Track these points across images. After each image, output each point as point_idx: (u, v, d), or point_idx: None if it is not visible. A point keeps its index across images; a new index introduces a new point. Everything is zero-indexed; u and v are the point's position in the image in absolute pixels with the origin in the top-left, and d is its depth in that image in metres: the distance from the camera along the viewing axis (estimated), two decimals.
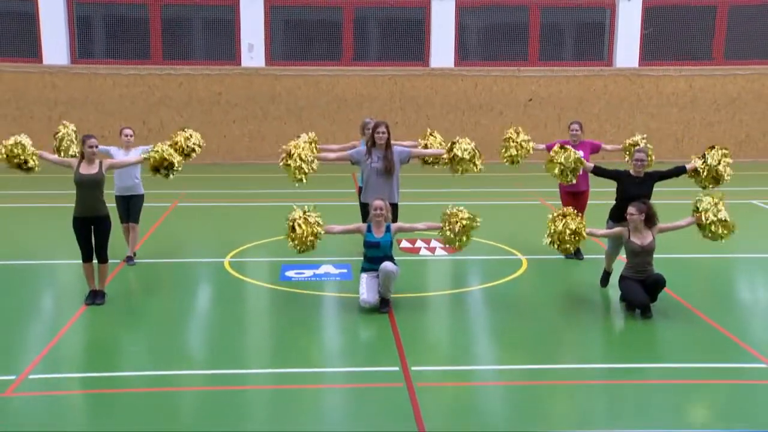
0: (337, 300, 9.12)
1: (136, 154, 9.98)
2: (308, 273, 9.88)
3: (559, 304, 9.05)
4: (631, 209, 8.20)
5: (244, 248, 11.11)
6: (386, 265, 8.27)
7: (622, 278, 8.48)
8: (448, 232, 8.46)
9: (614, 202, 9.10)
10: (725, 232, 8.45)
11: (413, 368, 6.98)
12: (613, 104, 20.59)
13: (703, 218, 8.46)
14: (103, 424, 6.08)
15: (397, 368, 7.00)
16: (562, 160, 8.76)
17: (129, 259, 10.31)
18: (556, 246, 8.38)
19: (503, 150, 9.84)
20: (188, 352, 7.73)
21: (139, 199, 10.40)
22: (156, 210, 13.81)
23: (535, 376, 7.04)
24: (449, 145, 9.18)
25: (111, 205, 9.03)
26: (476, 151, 9.08)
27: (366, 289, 8.34)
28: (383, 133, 9.01)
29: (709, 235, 8.56)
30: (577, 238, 8.29)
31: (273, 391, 6.69)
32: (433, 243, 11.50)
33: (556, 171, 8.81)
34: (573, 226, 8.27)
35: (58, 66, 19.81)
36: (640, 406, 6.40)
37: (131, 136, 10.49)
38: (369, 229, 8.36)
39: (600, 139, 20.72)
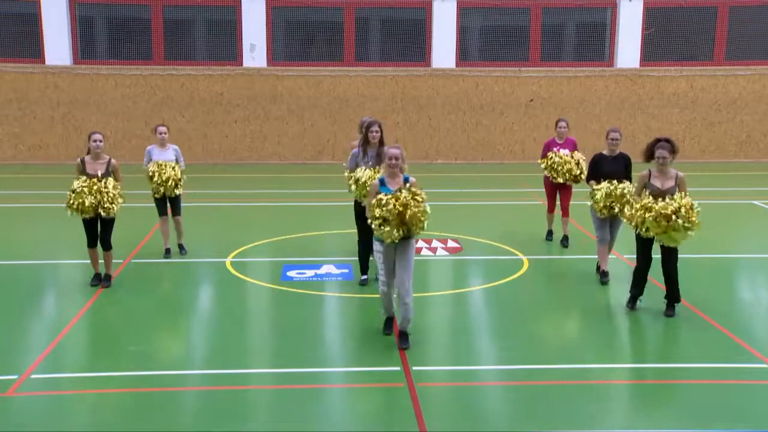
0: (338, 300, 9.13)
1: (170, 153, 10.80)
2: (309, 273, 9.89)
3: (561, 304, 9.07)
4: (662, 152, 8.12)
5: (245, 248, 11.13)
6: (404, 299, 7.35)
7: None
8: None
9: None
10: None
11: (414, 368, 6.98)
12: (614, 104, 20.61)
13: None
14: (105, 423, 6.08)
15: (398, 368, 7.00)
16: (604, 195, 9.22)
17: (181, 248, 10.79)
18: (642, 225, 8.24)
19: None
20: (189, 352, 7.73)
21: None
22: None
23: (536, 376, 7.04)
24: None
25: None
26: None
27: (385, 272, 7.45)
28: (376, 132, 9.17)
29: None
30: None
31: (274, 391, 6.70)
32: (435, 243, 11.53)
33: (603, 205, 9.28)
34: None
35: (61, 66, 19.84)
36: (641, 406, 6.42)
37: (165, 133, 10.91)
38: (383, 183, 7.40)
39: (599, 140, 20.78)
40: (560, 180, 10.97)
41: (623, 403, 6.55)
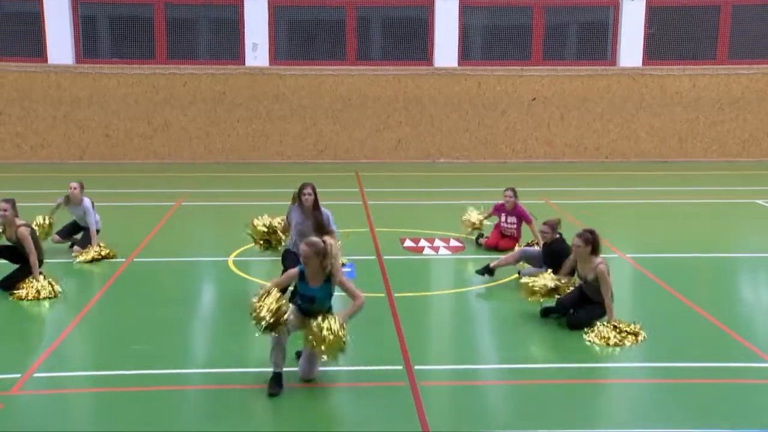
0: (340, 299, 9.12)
1: (86, 203, 10.63)
2: None
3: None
4: (576, 240, 7.94)
5: (247, 247, 11.11)
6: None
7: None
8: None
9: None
10: None
11: (417, 367, 6.97)
12: (617, 104, 20.58)
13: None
14: (108, 422, 6.09)
15: (400, 367, 7.00)
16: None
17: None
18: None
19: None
20: (192, 350, 7.72)
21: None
22: (160, 209, 13.86)
23: (538, 375, 7.03)
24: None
25: None
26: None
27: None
28: (309, 194, 8.54)
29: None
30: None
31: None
32: (437, 242, 11.52)
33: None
34: (551, 285, 8.29)
35: (63, 65, 19.85)
36: (644, 406, 6.40)
37: (76, 189, 10.66)
38: (302, 277, 6.56)
39: (602, 139, 20.78)
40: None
41: (626, 402, 6.53)
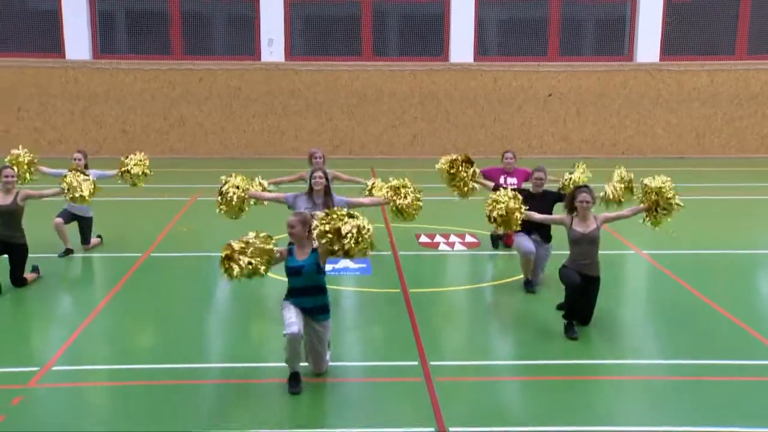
0: (356, 294, 9.14)
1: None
2: (327, 267, 9.85)
3: None
4: (585, 195, 7.74)
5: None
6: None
7: (562, 267, 7.89)
8: (399, 202, 8.63)
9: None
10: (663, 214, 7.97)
11: (432, 363, 6.97)
12: (634, 99, 20.45)
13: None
14: (124, 415, 6.13)
15: (416, 363, 6.99)
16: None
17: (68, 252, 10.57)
18: (497, 223, 8.15)
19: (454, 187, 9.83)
20: (207, 345, 7.76)
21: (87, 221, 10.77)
22: (175, 204, 13.92)
23: (553, 371, 7.00)
24: (391, 194, 8.77)
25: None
26: (419, 200, 8.74)
27: (295, 317, 6.39)
28: (320, 178, 8.46)
29: (651, 221, 8.09)
30: (516, 216, 8.08)
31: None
32: (452, 238, 11.50)
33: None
34: (513, 205, 8.07)
35: (81, 61, 19.97)
36: (658, 403, 6.37)
37: (81, 159, 10.69)
38: (291, 252, 6.59)
39: (618, 135, 20.67)
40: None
41: (640, 399, 6.50)
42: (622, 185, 8.66)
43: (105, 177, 10.69)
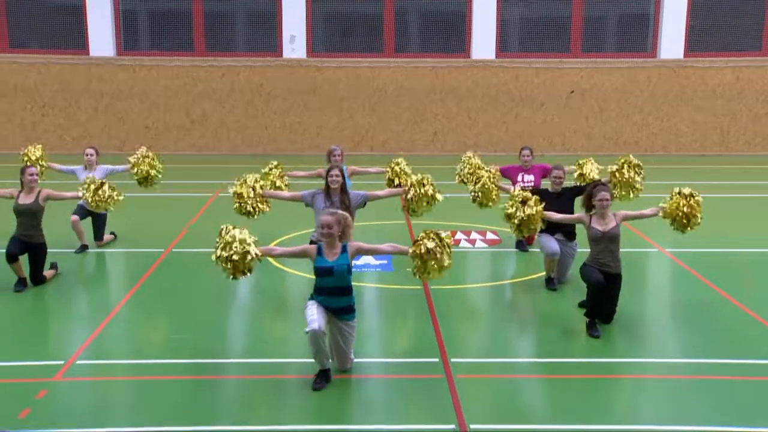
0: (377, 291, 9.14)
1: (99, 172, 10.57)
2: None
3: None
4: (604, 193, 7.71)
5: (285, 238, 11.18)
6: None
7: (583, 265, 7.86)
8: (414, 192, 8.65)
9: None
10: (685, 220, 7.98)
11: (453, 360, 6.96)
12: (657, 96, 20.27)
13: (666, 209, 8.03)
14: (148, 410, 6.16)
15: (437, 360, 6.98)
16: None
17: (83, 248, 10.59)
18: (515, 229, 8.15)
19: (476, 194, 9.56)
20: (230, 341, 7.79)
21: (102, 217, 10.72)
22: (197, 200, 13.99)
23: (575, 369, 6.97)
24: (408, 185, 8.85)
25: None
26: (434, 193, 8.78)
27: (317, 314, 6.34)
28: (337, 176, 8.36)
29: (675, 226, 8.13)
30: (535, 223, 8.08)
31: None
32: (474, 235, 11.47)
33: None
34: (532, 211, 8.03)
35: (105, 58, 20.12)
36: (681, 402, 6.33)
37: (93, 155, 10.79)
38: (320, 252, 6.54)
39: (641, 132, 20.50)
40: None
41: (662, 398, 6.44)
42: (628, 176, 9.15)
43: (116, 172, 10.76)
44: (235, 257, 6.55)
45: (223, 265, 6.63)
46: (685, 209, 7.94)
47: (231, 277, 6.67)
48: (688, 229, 8.08)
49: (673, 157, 19.98)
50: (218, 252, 6.67)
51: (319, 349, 6.32)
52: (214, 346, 7.49)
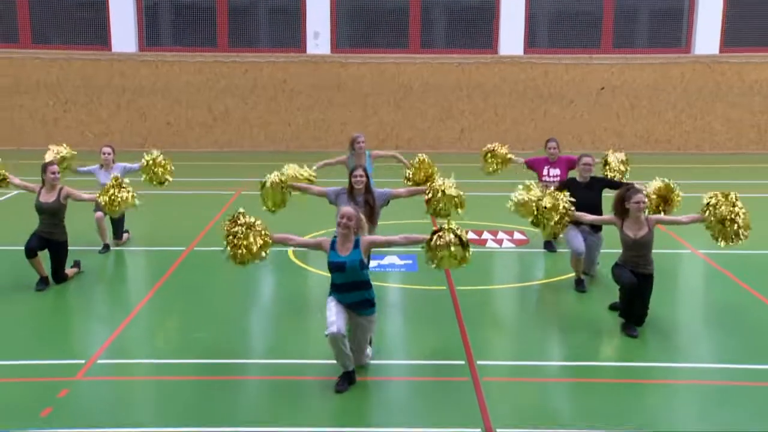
0: (401, 291, 8.93)
1: (116, 170, 10.33)
2: (373, 264, 9.60)
3: None
4: (640, 196, 7.35)
5: (308, 236, 10.91)
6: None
7: (615, 265, 7.57)
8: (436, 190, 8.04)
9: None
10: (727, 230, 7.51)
11: (479, 362, 6.79)
12: (691, 93, 19.76)
13: (709, 216, 7.59)
14: (169, 409, 6.09)
15: (462, 362, 6.82)
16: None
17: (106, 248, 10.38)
18: (541, 226, 7.82)
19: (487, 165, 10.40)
20: (252, 341, 7.68)
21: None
22: (220, 198, 13.82)
23: (602, 373, 6.79)
24: (428, 184, 8.31)
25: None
26: (460, 196, 8.08)
27: (335, 316, 6.22)
28: (360, 176, 8.00)
29: (714, 234, 7.66)
30: (563, 218, 7.74)
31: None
32: (500, 234, 11.16)
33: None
34: (561, 205, 7.70)
35: (127, 53, 20.03)
36: (709, 407, 6.13)
37: (110, 154, 10.63)
38: (333, 246, 6.42)
39: (674, 130, 20.01)
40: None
41: (689, 402, 6.26)
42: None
43: (133, 170, 10.57)
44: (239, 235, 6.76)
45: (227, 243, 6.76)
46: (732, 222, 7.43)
47: (234, 258, 6.75)
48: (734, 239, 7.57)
49: (707, 156, 19.49)
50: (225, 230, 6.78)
51: (340, 351, 6.19)
52: (236, 345, 7.39)
